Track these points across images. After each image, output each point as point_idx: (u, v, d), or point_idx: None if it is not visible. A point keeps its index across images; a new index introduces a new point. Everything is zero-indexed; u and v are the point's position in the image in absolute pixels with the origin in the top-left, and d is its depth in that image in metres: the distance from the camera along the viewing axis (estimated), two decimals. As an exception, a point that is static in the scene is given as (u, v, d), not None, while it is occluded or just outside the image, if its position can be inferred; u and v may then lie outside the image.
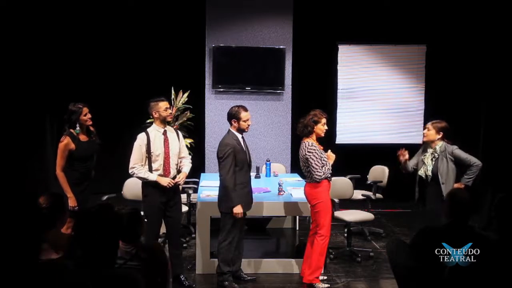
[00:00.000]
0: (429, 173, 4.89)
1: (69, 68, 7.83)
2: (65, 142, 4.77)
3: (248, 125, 4.85)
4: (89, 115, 4.92)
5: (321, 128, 4.84)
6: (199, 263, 5.27)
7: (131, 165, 4.69)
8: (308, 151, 4.77)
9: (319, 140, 4.92)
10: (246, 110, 4.85)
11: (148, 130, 4.79)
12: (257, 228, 6.74)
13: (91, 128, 5.02)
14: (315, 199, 4.83)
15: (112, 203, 2.76)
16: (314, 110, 4.91)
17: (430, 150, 4.95)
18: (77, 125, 4.85)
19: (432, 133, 4.92)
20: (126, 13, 7.90)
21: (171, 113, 4.85)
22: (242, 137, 4.89)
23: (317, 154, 4.76)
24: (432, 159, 4.90)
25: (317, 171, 4.74)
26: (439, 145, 4.90)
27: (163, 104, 4.74)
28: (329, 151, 4.94)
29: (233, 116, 4.83)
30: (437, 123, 4.95)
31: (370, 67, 8.56)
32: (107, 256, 2.37)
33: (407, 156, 5.11)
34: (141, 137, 4.72)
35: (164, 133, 4.77)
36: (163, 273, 3.05)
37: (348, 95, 8.58)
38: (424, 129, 5.12)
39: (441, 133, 4.90)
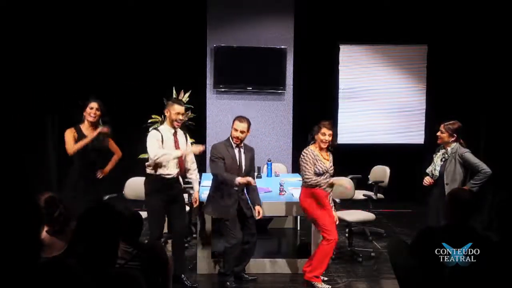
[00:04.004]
0: (436, 172, 4.86)
1: (70, 68, 7.82)
2: (69, 129, 4.96)
3: (237, 137, 4.78)
4: (93, 111, 4.99)
5: (320, 137, 4.82)
6: (200, 263, 5.27)
7: (153, 153, 4.56)
8: (302, 156, 4.83)
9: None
10: (241, 121, 4.82)
11: (160, 128, 4.77)
12: (258, 228, 6.71)
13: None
14: (302, 204, 4.91)
15: (113, 203, 2.76)
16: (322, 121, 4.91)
17: (442, 151, 4.90)
18: (84, 117, 5.02)
19: (445, 136, 4.84)
20: (127, 13, 7.90)
21: (181, 119, 4.75)
22: (238, 147, 4.85)
23: (310, 160, 4.77)
24: (442, 159, 4.86)
25: (306, 174, 4.77)
26: (452, 146, 4.83)
27: (177, 108, 4.72)
28: (332, 180, 4.90)
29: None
30: (449, 125, 4.84)
31: (371, 67, 8.55)
32: (108, 256, 2.37)
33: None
34: (155, 133, 4.70)
35: (174, 134, 4.77)
36: (164, 272, 3.06)
37: (349, 95, 8.57)
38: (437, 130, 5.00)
39: (455, 135, 4.82)
